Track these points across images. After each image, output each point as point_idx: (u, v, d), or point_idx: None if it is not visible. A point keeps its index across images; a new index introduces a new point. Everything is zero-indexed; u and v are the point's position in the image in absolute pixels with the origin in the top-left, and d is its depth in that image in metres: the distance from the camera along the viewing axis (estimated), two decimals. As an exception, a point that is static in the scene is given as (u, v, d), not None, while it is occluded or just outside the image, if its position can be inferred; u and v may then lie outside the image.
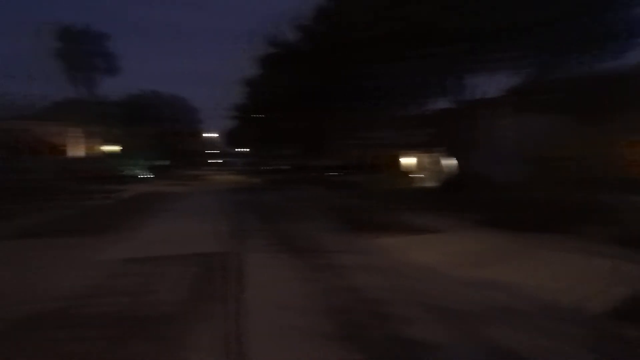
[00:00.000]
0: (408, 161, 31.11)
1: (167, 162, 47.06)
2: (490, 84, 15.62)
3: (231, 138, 72.42)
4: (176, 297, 5.22)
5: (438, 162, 26.60)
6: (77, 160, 29.75)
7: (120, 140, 40.18)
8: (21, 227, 10.57)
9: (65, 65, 23.54)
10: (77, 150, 30.42)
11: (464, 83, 14.61)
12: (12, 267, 6.79)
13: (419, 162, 30.09)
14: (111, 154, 37.69)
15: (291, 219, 12.38)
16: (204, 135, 69.96)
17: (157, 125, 47.23)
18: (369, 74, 12.78)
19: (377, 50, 11.43)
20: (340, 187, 22.15)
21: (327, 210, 13.88)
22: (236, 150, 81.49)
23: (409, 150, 25.52)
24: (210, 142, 77.86)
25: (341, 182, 23.21)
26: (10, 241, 9.04)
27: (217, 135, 78.09)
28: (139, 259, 7.30)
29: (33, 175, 20.81)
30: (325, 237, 9.33)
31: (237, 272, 6.36)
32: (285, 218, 12.57)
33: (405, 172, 25.23)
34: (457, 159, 16.97)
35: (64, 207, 14.66)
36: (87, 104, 26.26)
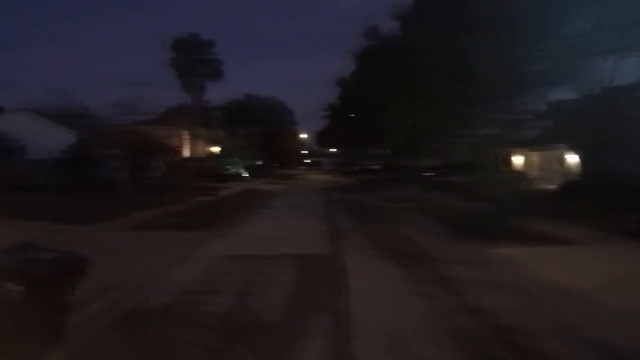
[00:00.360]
0: (520, 160, 28.16)
1: (263, 162, 49.28)
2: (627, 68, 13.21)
3: (322, 138, 73.69)
4: (278, 302, 4.91)
5: (558, 161, 23.55)
6: (186, 160, 32.30)
7: (223, 141, 43.07)
8: (138, 220, 11.43)
9: (177, 73, 25.69)
10: (186, 151, 33.21)
11: (593, 67, 12.47)
12: (123, 257, 7.15)
13: (533, 160, 27.05)
14: (215, 155, 40.51)
15: (390, 221, 11.69)
16: (297, 136, 72.26)
17: (256, 126, 49.78)
18: (481, 61, 11.43)
19: (492, 31, 10.09)
20: (440, 188, 20.75)
21: (429, 213, 12.89)
22: (327, 150, 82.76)
23: (522, 147, 22.94)
24: (303, 143, 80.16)
25: (440, 182, 21.75)
26: (127, 232, 9.75)
27: (309, 135, 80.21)
28: (241, 257, 7.25)
29: (150, 173, 22.96)
30: (432, 243, 8.49)
31: (341, 278, 5.90)
32: (384, 220, 11.92)
33: (517, 172, 22.74)
34: (583, 157, 14.67)
35: (174, 202, 15.75)
36: (195, 108, 28.41)
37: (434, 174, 24.70)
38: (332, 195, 21.48)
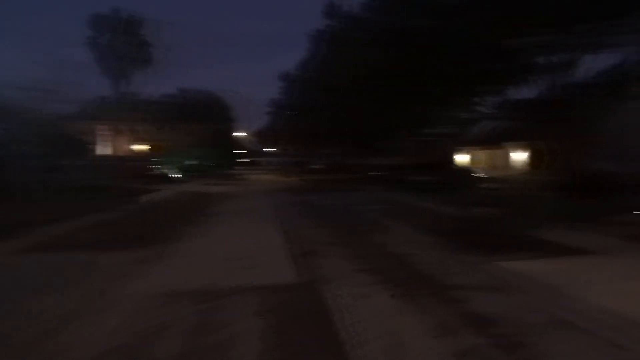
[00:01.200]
0: (466, 158, 27.99)
1: (200, 161, 45.76)
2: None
3: (263, 137, 71.16)
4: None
5: (504, 159, 23.51)
6: (112, 159, 28.57)
7: (152, 138, 39.10)
8: (45, 236, 8.67)
9: (96, 56, 21.92)
10: (107, 148, 29.28)
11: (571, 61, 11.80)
12: (2, 300, 4.69)
13: (480, 159, 27.00)
14: (145, 153, 36.61)
15: (363, 229, 9.90)
16: (237, 134, 68.75)
17: (190, 123, 46.08)
18: (450, 53, 10.20)
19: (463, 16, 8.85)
20: (401, 188, 19.54)
21: (406, 218, 11.38)
22: (267, 149, 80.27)
23: (483, 146, 22.51)
24: (244, 141, 76.83)
25: (400, 182, 20.57)
26: (24, 255, 7.05)
27: (251, 133, 77.02)
28: (181, 294, 5.10)
29: (69, 174, 19.40)
30: (427, 259, 6.83)
31: (328, 328, 4.00)
32: (356, 228, 10.11)
33: (469, 171, 22.30)
34: (560, 154, 13.99)
35: (98, 209, 12.88)
36: (119, 102, 24.91)
37: (389, 172, 23.62)
38: (282, 197, 19.44)
